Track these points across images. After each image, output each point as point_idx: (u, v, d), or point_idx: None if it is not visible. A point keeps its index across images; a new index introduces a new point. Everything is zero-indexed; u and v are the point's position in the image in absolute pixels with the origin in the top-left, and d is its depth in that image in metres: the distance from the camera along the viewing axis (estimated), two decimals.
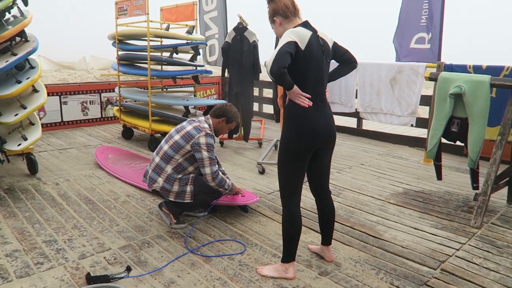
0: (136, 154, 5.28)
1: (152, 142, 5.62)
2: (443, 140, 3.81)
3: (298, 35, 2.22)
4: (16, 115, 4.11)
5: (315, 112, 2.32)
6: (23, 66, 4.39)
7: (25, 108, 4.19)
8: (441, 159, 3.91)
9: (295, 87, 2.26)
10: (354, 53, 2.57)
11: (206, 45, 7.13)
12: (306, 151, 2.35)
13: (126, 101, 6.62)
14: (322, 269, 2.63)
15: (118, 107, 6.42)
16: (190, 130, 3.14)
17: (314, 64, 2.29)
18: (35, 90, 4.43)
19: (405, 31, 6.25)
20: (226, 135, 5.93)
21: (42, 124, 4.61)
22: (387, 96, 5.63)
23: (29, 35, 4.42)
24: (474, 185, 3.72)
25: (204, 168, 3.08)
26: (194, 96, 6.53)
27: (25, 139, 4.21)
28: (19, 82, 4.16)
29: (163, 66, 6.88)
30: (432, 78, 3.89)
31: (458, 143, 3.84)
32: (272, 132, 7.10)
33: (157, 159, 3.24)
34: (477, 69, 4.44)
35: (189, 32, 5.62)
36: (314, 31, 2.31)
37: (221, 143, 6.10)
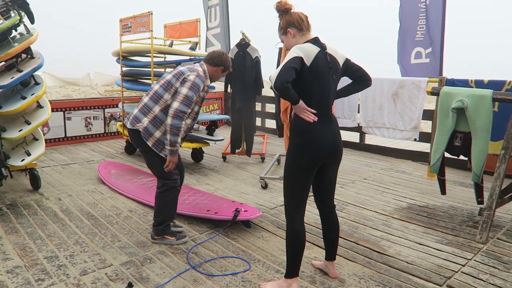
0: (138, 169, 5.28)
1: None
2: (447, 155, 3.80)
3: (304, 51, 2.25)
4: (20, 130, 4.14)
5: (321, 127, 2.32)
6: (28, 82, 4.44)
7: (29, 123, 4.22)
8: (444, 173, 3.89)
9: (301, 102, 2.27)
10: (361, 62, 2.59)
11: None
12: (312, 166, 2.34)
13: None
14: (326, 286, 2.60)
15: (121, 123, 6.45)
16: (183, 69, 3.06)
17: (320, 80, 2.30)
18: (39, 106, 4.47)
19: (404, 48, 6.34)
20: (229, 150, 5.94)
21: (45, 140, 4.65)
22: (390, 110, 5.64)
23: (35, 52, 4.48)
24: (479, 199, 3.69)
25: (174, 102, 2.93)
26: None
27: (29, 154, 4.23)
28: (24, 98, 4.20)
29: None
30: (434, 92, 3.90)
31: (461, 157, 3.83)
32: (275, 146, 7.10)
33: (145, 99, 3.10)
34: (479, 84, 4.45)
35: (192, 48, 5.69)
36: (322, 48, 2.33)
37: (224, 158, 6.10)
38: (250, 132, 5.69)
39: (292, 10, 2.42)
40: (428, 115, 5.48)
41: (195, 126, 5.85)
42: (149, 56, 5.65)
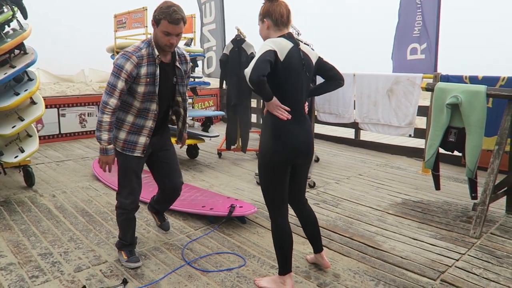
0: None
1: None
2: (441, 150, 3.82)
3: (278, 45, 2.21)
4: (13, 127, 4.11)
5: (294, 125, 2.29)
6: (22, 78, 4.40)
7: (22, 120, 4.19)
8: (439, 169, 3.91)
9: (274, 98, 2.23)
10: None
11: (204, 57, 7.17)
12: (285, 164, 2.31)
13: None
14: (321, 281, 2.60)
15: None
16: None
17: (293, 76, 2.26)
18: (33, 102, 4.43)
19: (401, 44, 6.37)
20: (224, 146, 5.93)
21: (39, 137, 4.61)
22: (384, 107, 5.64)
23: (28, 48, 4.44)
24: (473, 195, 3.72)
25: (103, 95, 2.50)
26: (192, 107, 6.54)
27: (22, 151, 4.20)
28: (17, 94, 4.17)
29: None
30: (429, 88, 3.91)
31: (456, 153, 3.85)
32: None
33: None
34: (473, 80, 4.47)
35: (188, 44, 5.66)
36: (295, 44, 2.30)
37: (219, 154, 6.10)
38: (245, 129, 5.69)
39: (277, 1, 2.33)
40: (422, 111, 5.50)
41: (190, 122, 5.82)
42: None
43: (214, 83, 8.41)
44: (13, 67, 4.14)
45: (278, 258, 2.43)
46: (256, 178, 4.71)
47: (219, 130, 6.45)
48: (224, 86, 5.96)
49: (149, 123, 2.64)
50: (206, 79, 6.40)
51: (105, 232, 3.32)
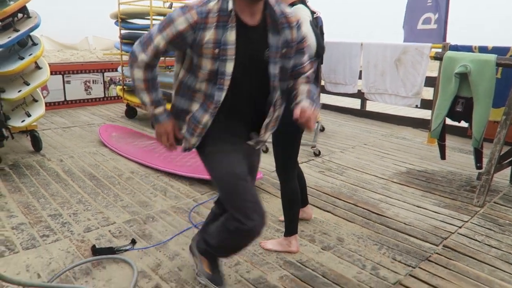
0: (139, 132, 5.28)
1: None
2: (448, 121, 3.80)
3: (308, 15, 2.38)
4: (19, 91, 4.11)
5: None
6: (26, 43, 4.36)
7: (28, 84, 4.18)
8: (445, 139, 3.90)
9: None
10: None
11: None
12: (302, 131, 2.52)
13: (129, 80, 6.59)
14: (325, 244, 2.66)
15: (121, 87, 6.39)
16: None
17: None
18: (38, 67, 4.41)
19: (413, 14, 6.23)
20: None
21: (45, 103, 4.61)
22: (392, 77, 5.58)
23: (31, 12, 4.37)
24: (478, 164, 3.72)
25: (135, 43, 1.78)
26: None
27: (29, 115, 4.21)
28: (22, 58, 4.14)
29: None
30: (438, 57, 3.85)
31: (462, 123, 3.83)
32: None
33: None
34: (483, 50, 4.38)
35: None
36: (312, 12, 2.47)
37: None
38: None
39: None
40: (430, 82, 5.43)
41: None
42: (148, 19, 5.53)
43: None
44: (17, 30, 4.10)
45: (287, 218, 2.49)
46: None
47: None
48: None
49: (205, 119, 1.77)
50: None
51: (113, 196, 3.37)
